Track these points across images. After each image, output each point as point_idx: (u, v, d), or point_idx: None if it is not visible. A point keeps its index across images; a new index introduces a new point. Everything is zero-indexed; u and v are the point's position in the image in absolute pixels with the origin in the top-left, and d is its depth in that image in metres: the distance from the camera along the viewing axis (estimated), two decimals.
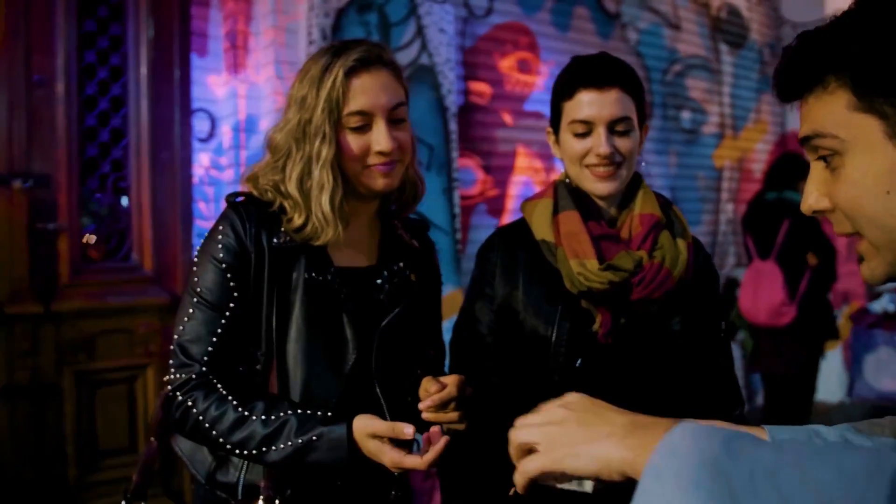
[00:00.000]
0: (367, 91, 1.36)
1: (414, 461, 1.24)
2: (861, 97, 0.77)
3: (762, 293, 3.55)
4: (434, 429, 1.26)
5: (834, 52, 0.78)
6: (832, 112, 0.79)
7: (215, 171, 3.20)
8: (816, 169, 0.83)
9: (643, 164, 1.58)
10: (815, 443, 0.74)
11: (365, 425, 1.27)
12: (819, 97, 0.80)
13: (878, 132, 0.76)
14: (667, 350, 1.48)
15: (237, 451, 1.32)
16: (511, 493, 1.38)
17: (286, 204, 1.38)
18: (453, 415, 1.33)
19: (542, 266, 1.50)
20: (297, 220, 1.37)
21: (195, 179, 3.12)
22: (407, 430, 1.24)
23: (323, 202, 1.36)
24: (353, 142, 1.37)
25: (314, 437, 1.29)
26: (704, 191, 5.11)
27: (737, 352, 4.53)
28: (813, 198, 0.84)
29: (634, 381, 1.47)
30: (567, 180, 1.53)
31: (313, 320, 1.38)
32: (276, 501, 1.35)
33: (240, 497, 1.38)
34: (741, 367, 4.79)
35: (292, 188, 1.37)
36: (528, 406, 1.44)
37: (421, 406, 1.31)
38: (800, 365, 3.62)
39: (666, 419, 0.76)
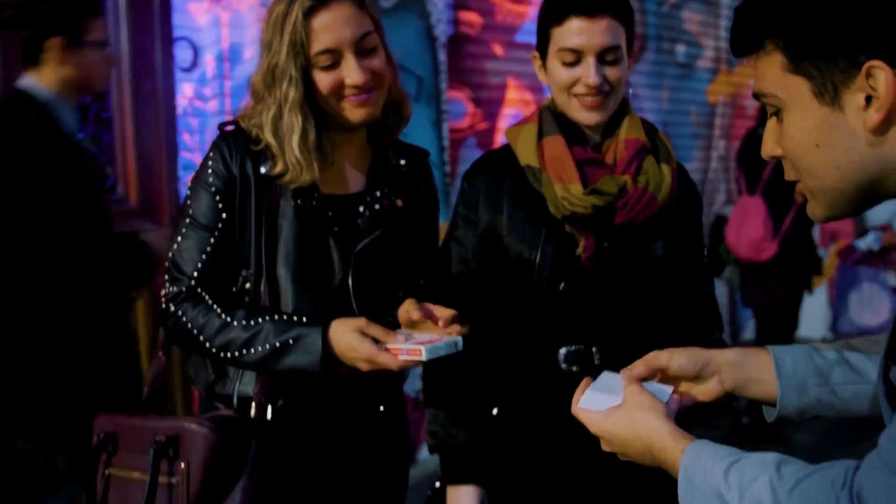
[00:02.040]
0: (328, 28, 1.38)
1: (387, 359, 1.29)
2: (792, 59, 0.87)
3: (745, 228, 3.62)
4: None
5: (769, 17, 0.88)
6: (771, 73, 0.89)
7: (199, 101, 3.19)
8: (771, 120, 0.94)
9: (630, 91, 1.59)
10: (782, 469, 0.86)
11: (352, 321, 1.33)
12: (761, 58, 0.91)
13: (807, 91, 0.87)
14: (649, 274, 1.52)
15: (221, 355, 1.40)
16: (495, 412, 1.50)
17: (270, 150, 1.43)
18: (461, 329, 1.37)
19: (527, 191, 1.52)
20: (279, 166, 1.42)
21: (179, 110, 3.11)
22: (401, 335, 1.32)
23: (294, 145, 1.40)
24: (326, 80, 1.40)
25: (290, 340, 1.36)
26: (697, 126, 5.11)
27: (723, 288, 4.64)
28: (769, 145, 0.95)
29: (617, 304, 1.51)
30: (552, 105, 1.54)
31: (301, 244, 1.44)
32: (269, 409, 1.43)
33: (234, 406, 1.46)
34: (728, 300, 4.90)
35: (268, 134, 1.41)
36: (513, 331, 1.51)
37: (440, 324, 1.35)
38: (783, 300, 3.70)
39: (670, 442, 0.95)
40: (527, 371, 1.54)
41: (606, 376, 1.13)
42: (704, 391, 1.12)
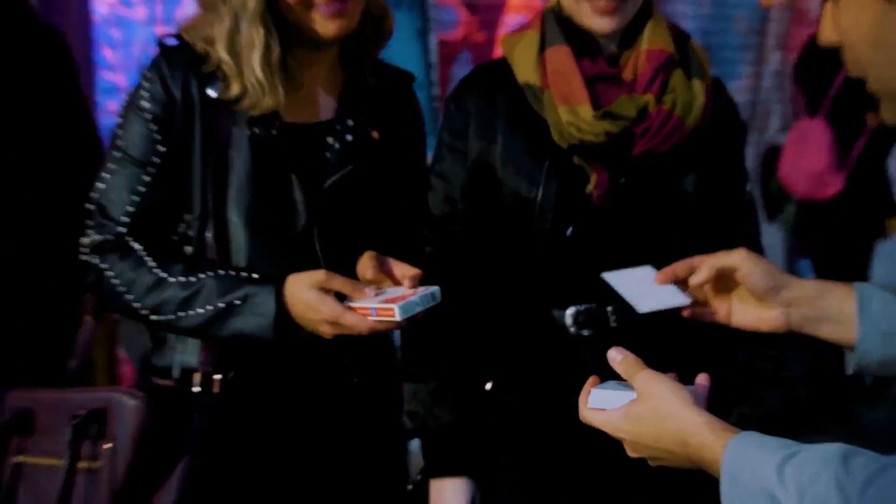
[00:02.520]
0: None
1: (354, 320, 1.32)
2: None
3: (805, 157, 3.57)
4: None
5: None
6: None
7: (123, 7, 3.15)
8: (828, 3, 0.97)
9: None
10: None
11: (311, 275, 1.35)
12: None
13: None
14: (677, 216, 1.53)
15: (153, 318, 1.43)
16: (489, 386, 1.53)
17: (222, 70, 1.45)
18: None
19: (526, 114, 1.53)
20: (235, 89, 1.44)
21: (96, 17, 3.07)
22: (370, 290, 1.34)
23: (255, 64, 1.42)
24: None
25: (236, 300, 1.39)
26: (745, 35, 5.02)
27: (777, 233, 4.65)
28: (825, 31, 0.97)
29: (637, 252, 1.50)
30: (557, 8, 1.55)
31: (257, 181, 1.47)
32: (218, 380, 1.47)
33: (175, 378, 1.49)
34: (783, 249, 4.90)
35: (221, 50, 1.43)
36: (510, 287, 1.53)
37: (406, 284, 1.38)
38: (849, 246, 3.65)
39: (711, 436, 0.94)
40: (527, 336, 1.56)
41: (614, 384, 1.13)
42: (762, 319, 1.16)
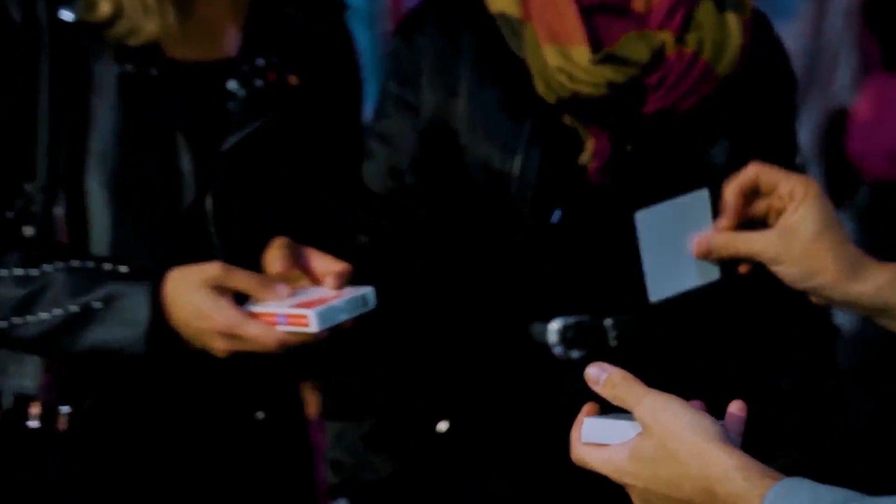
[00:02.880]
0: None
1: (257, 330, 1.29)
2: None
3: (881, 126, 3.50)
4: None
5: None
6: None
7: None
8: None
9: None
10: None
11: (201, 270, 1.33)
12: None
13: None
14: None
15: None
16: (442, 428, 1.51)
17: None
18: None
19: (501, 57, 1.47)
20: (104, 8, 1.39)
21: None
22: (282, 289, 1.31)
23: None
24: None
25: (96, 303, 1.34)
26: None
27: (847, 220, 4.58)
28: None
29: None
30: None
31: (128, 139, 1.41)
32: (65, 413, 1.41)
33: (2, 407, 1.44)
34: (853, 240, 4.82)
35: None
36: (475, 292, 1.51)
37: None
38: None
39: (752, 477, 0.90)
40: (497, 359, 1.50)
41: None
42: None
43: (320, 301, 1.29)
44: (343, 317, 1.29)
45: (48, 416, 1.40)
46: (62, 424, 1.40)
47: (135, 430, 1.45)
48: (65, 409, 1.41)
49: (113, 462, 1.44)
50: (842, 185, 3.98)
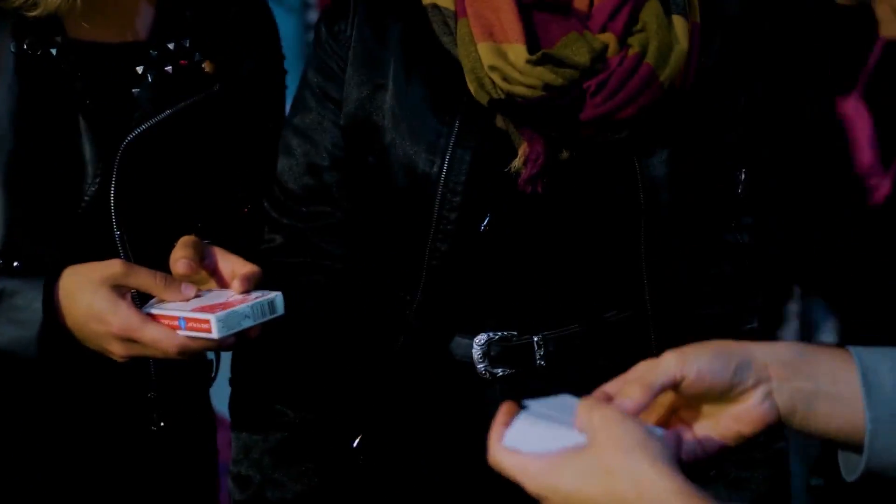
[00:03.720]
0: None
1: (156, 334, 1.24)
2: None
3: None
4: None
5: None
6: None
7: None
8: None
9: None
10: None
11: (99, 268, 1.29)
12: None
13: None
14: (638, 211, 1.44)
15: None
16: (355, 444, 1.48)
17: None
18: None
19: (431, 51, 1.44)
20: None
21: None
22: (187, 290, 1.29)
23: None
24: None
25: None
26: None
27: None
28: None
29: (577, 260, 1.44)
30: None
31: (25, 122, 1.38)
32: None
33: None
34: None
35: None
36: (394, 302, 1.47)
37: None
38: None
39: None
40: (415, 374, 1.47)
41: (553, 401, 1.05)
42: (743, 415, 1.03)
43: (224, 305, 1.26)
44: (247, 323, 1.25)
45: None
46: None
47: (20, 440, 1.42)
48: None
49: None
50: None
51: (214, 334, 1.22)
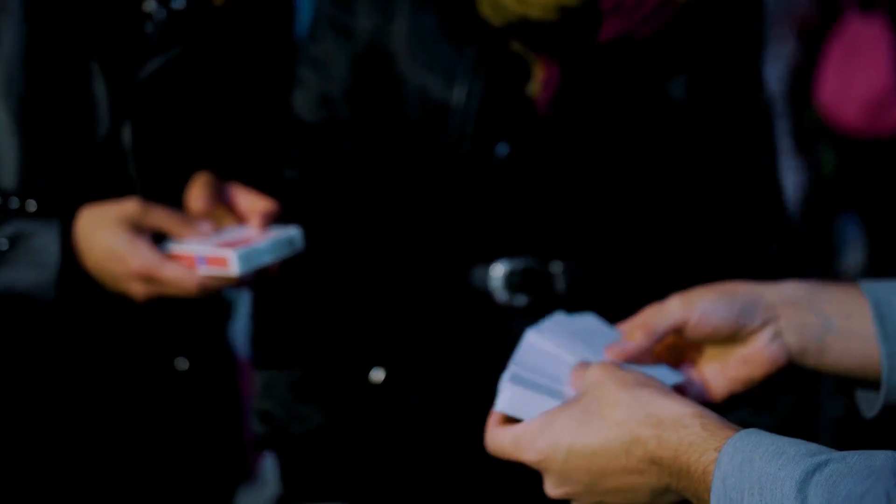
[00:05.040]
0: None
1: (175, 272, 1.24)
2: None
3: (856, 74, 3.45)
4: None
5: None
6: None
7: None
8: None
9: None
10: None
11: (116, 208, 1.28)
12: None
13: None
14: (658, 135, 1.44)
15: None
16: (379, 377, 1.49)
17: None
18: None
19: None
20: None
21: None
22: (205, 227, 1.28)
23: None
24: None
25: (1, 243, 1.30)
26: None
27: (806, 174, 4.61)
28: None
29: (598, 185, 1.43)
30: None
31: (38, 61, 1.37)
32: None
33: None
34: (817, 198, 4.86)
35: None
36: (412, 232, 1.48)
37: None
38: None
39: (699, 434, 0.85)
40: (435, 305, 1.47)
41: (560, 325, 1.09)
42: (751, 357, 1.03)
43: (243, 242, 1.25)
44: (266, 259, 1.25)
45: None
46: None
47: (38, 382, 1.42)
48: None
49: (11, 416, 1.41)
50: (811, 138, 3.92)
51: (234, 271, 1.22)
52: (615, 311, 1.22)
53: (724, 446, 0.82)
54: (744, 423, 1.44)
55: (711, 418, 0.87)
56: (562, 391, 0.95)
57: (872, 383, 1.01)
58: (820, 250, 4.47)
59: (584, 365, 0.96)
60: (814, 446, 0.82)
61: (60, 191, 1.37)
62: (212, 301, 1.41)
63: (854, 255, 5.30)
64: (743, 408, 1.39)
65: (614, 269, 1.45)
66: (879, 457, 0.77)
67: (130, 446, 1.48)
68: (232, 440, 1.58)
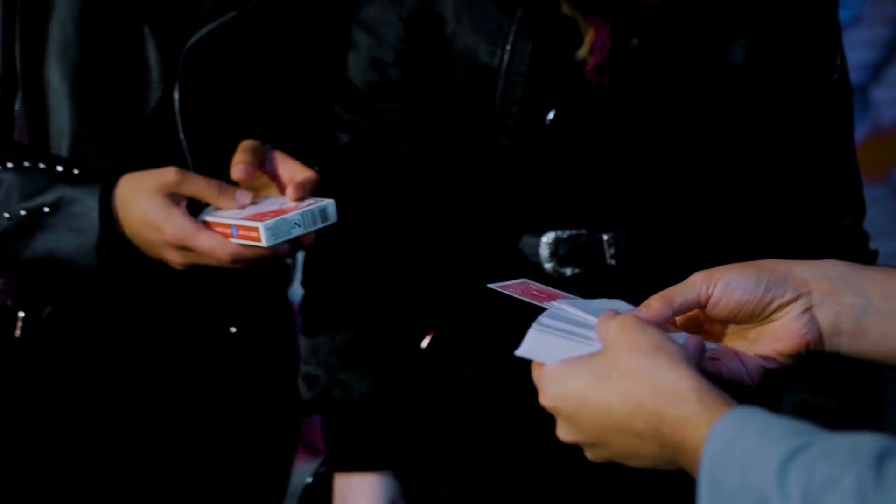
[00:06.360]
0: None
1: (209, 241, 1.23)
2: None
3: None
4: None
5: None
6: None
7: None
8: None
9: None
10: None
11: (154, 176, 1.28)
12: None
13: None
14: (718, 102, 1.40)
15: None
16: (425, 343, 1.49)
17: None
18: None
19: None
20: None
21: None
22: (243, 197, 1.27)
23: None
24: None
25: (46, 207, 1.30)
26: None
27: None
28: None
29: (652, 154, 1.40)
30: None
31: (89, 31, 1.38)
32: (21, 319, 1.40)
33: None
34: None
35: None
36: (460, 200, 1.47)
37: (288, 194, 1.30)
38: None
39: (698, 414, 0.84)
40: (483, 273, 1.39)
41: (580, 304, 1.03)
42: (780, 333, 0.98)
43: (275, 213, 1.24)
44: (297, 231, 1.23)
45: (2, 322, 1.39)
46: (17, 332, 1.38)
47: (94, 343, 1.42)
48: (21, 314, 1.39)
49: (70, 377, 1.42)
50: None
51: (263, 242, 1.21)
52: (664, 284, 1.20)
53: (716, 423, 0.81)
54: (803, 406, 1.39)
55: (710, 392, 0.85)
56: (587, 336, 0.94)
57: None
58: None
59: (610, 314, 0.94)
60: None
61: (112, 156, 1.37)
62: (275, 266, 1.38)
63: None
64: (803, 389, 1.39)
65: (666, 241, 1.41)
66: (865, 440, 0.75)
67: (190, 408, 1.48)
68: (285, 403, 1.57)
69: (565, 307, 1.00)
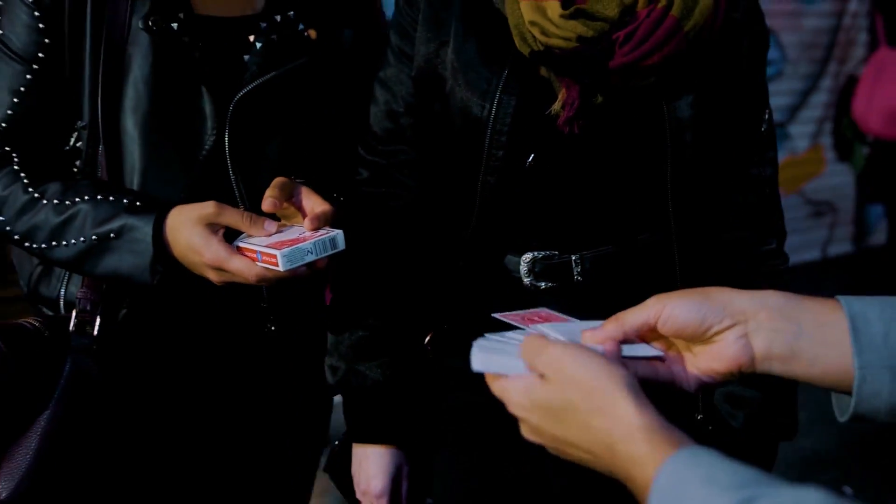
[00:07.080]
0: None
1: (240, 265, 1.31)
2: None
3: (881, 90, 3.54)
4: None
5: None
6: None
7: None
8: None
9: None
10: None
11: (197, 208, 1.36)
12: None
13: None
14: (666, 149, 1.45)
15: (25, 245, 1.44)
16: (427, 343, 1.56)
17: None
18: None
19: (485, 11, 1.45)
20: None
21: None
22: (270, 226, 1.35)
23: None
24: None
25: (112, 233, 1.39)
26: None
27: (848, 174, 4.78)
28: None
29: (611, 194, 1.47)
30: None
31: (158, 85, 1.46)
32: (98, 319, 1.47)
33: (62, 313, 1.51)
34: (853, 192, 5.03)
35: None
36: (455, 226, 1.51)
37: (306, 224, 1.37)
38: None
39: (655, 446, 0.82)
40: (476, 283, 1.52)
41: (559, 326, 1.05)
42: (717, 354, 1.00)
43: (293, 242, 1.30)
44: (310, 257, 1.30)
45: (84, 322, 1.45)
46: (94, 331, 1.45)
47: (158, 339, 1.50)
48: (100, 317, 1.46)
49: (139, 366, 1.49)
50: (847, 141, 4.24)
51: (280, 267, 1.28)
52: (623, 296, 1.21)
53: (663, 465, 0.80)
54: (731, 396, 1.48)
55: (660, 432, 0.83)
56: (513, 353, 0.94)
57: (843, 391, 0.96)
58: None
59: (539, 337, 0.94)
60: (749, 473, 0.77)
61: (173, 189, 1.45)
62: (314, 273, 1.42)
63: (878, 237, 5.44)
64: (733, 382, 1.34)
65: (622, 262, 1.47)
66: (810, 495, 0.73)
67: (229, 402, 1.58)
68: (320, 389, 1.63)
69: (541, 328, 1.03)
